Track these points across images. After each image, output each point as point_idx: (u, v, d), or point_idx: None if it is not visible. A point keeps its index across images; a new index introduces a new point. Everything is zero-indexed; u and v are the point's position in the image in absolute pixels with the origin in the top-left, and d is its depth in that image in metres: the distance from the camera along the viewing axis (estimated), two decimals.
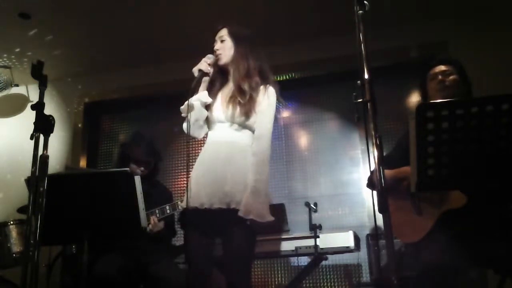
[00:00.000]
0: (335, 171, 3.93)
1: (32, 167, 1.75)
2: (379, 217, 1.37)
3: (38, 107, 1.83)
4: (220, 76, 2.39)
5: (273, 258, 3.61)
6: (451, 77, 2.22)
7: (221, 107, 2.27)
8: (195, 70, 2.28)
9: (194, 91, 2.28)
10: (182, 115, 2.28)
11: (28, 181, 2.12)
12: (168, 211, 2.81)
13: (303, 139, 4.14)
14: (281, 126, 4.19)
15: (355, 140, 3.96)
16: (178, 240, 3.54)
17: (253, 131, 2.24)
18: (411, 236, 2.10)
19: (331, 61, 3.94)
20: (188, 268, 2.23)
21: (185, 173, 4.02)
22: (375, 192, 1.39)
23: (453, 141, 1.43)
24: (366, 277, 3.54)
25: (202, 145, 2.37)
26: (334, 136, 4.03)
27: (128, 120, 4.64)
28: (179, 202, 2.82)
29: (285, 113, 4.25)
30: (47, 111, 1.84)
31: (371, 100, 1.45)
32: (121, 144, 3.32)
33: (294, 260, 3.69)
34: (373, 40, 1.59)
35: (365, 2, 1.58)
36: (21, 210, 3.11)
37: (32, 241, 1.67)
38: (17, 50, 4.07)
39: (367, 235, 3.21)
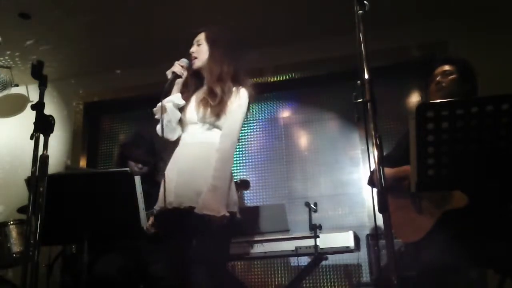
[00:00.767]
0: (335, 171, 3.93)
1: (32, 167, 1.75)
2: (379, 217, 1.37)
3: (38, 107, 1.83)
4: (195, 79, 2.43)
5: (273, 258, 3.61)
6: (449, 77, 2.23)
7: (194, 108, 2.32)
8: (168, 73, 2.34)
9: (167, 93, 2.32)
10: (156, 116, 2.31)
11: (28, 181, 2.12)
12: None
13: (303, 139, 4.14)
14: (281, 126, 4.19)
15: (355, 140, 3.96)
16: None
17: (220, 130, 2.29)
18: (411, 236, 2.10)
19: (331, 61, 3.94)
20: (166, 268, 2.25)
21: None
22: (375, 192, 1.39)
23: (453, 141, 1.43)
24: (366, 277, 3.54)
25: None
26: (334, 136, 4.03)
27: (128, 120, 4.64)
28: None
29: (285, 113, 4.25)
30: (47, 111, 1.84)
31: (371, 100, 1.45)
32: (120, 144, 3.32)
33: (294, 260, 3.69)
34: (373, 40, 1.59)
35: (365, 2, 1.58)
36: (21, 210, 3.11)
37: (32, 241, 1.67)
38: (17, 50, 4.07)
39: (367, 235, 3.21)
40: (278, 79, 4.15)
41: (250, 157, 4.11)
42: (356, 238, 2.80)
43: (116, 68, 4.40)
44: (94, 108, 4.61)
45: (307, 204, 2.99)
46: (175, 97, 2.33)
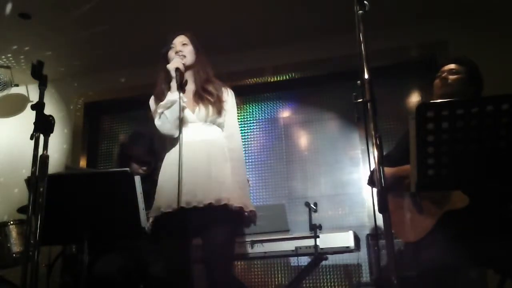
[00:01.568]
0: (335, 171, 3.93)
1: (32, 167, 1.75)
2: (379, 217, 1.37)
3: (38, 107, 1.83)
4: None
5: (273, 258, 3.61)
6: (456, 76, 2.22)
7: (189, 108, 2.31)
8: (171, 68, 2.29)
9: (181, 87, 2.27)
10: (159, 110, 2.27)
11: (28, 181, 2.12)
12: None
13: (303, 139, 4.14)
14: (281, 126, 4.19)
15: (355, 140, 3.96)
16: None
17: (221, 128, 2.35)
18: (411, 236, 2.10)
19: (331, 61, 3.94)
20: (168, 270, 2.24)
21: None
22: (375, 192, 1.39)
23: (453, 141, 1.43)
24: (366, 277, 3.54)
25: None
26: (334, 136, 4.03)
27: (128, 120, 4.64)
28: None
29: (285, 113, 4.25)
30: (47, 111, 1.84)
31: (371, 100, 1.45)
32: (121, 144, 3.31)
33: (294, 260, 3.69)
34: (373, 40, 1.59)
35: (365, 2, 1.58)
36: (21, 210, 3.11)
37: (32, 241, 1.67)
38: (17, 50, 4.07)
39: (367, 235, 3.21)
40: (278, 79, 4.15)
41: (250, 157, 4.11)
42: (356, 238, 2.80)
43: (116, 68, 4.40)
44: (94, 108, 4.61)
45: (307, 204, 2.99)
46: (182, 95, 2.28)
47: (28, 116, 2.07)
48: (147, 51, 4.10)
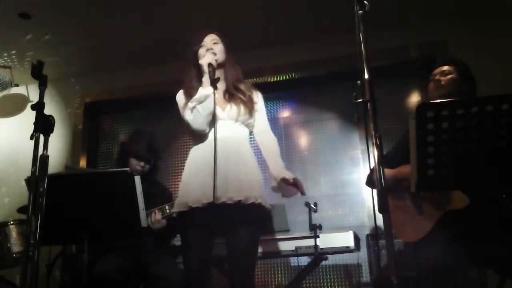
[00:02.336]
0: (335, 171, 3.93)
1: (32, 167, 1.75)
2: (379, 217, 1.37)
3: (38, 107, 1.83)
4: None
5: (273, 258, 3.61)
6: (448, 77, 2.24)
7: (220, 105, 2.28)
8: (205, 63, 2.25)
9: (214, 82, 2.22)
10: (192, 104, 2.22)
11: (28, 181, 2.12)
12: (167, 211, 2.80)
13: (303, 139, 4.14)
14: (281, 126, 4.19)
15: (355, 140, 3.96)
16: (178, 240, 3.54)
17: (250, 128, 2.37)
18: (411, 235, 2.10)
19: (331, 61, 3.94)
20: (187, 268, 2.22)
21: None
22: (375, 192, 1.39)
23: (453, 141, 1.43)
24: (366, 277, 3.54)
25: None
26: (334, 136, 4.03)
27: (128, 120, 4.64)
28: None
29: (285, 113, 4.25)
30: (47, 111, 1.83)
31: (371, 100, 1.45)
32: (121, 143, 3.31)
33: (294, 260, 3.69)
34: (373, 40, 1.59)
35: (365, 2, 1.58)
36: (21, 210, 3.11)
37: (32, 241, 1.67)
38: (17, 50, 4.07)
39: (367, 235, 3.20)
40: (278, 79, 4.15)
41: None
42: (356, 238, 2.80)
43: (116, 68, 4.40)
44: (94, 108, 4.61)
45: (307, 204, 2.99)
46: (214, 91, 2.23)
47: (28, 116, 2.07)
48: (147, 51, 4.12)
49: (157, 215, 2.76)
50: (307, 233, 2.81)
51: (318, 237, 2.73)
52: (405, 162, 1.96)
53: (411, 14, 3.70)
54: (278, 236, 2.86)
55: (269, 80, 4.14)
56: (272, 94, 4.27)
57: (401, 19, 3.74)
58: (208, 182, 2.07)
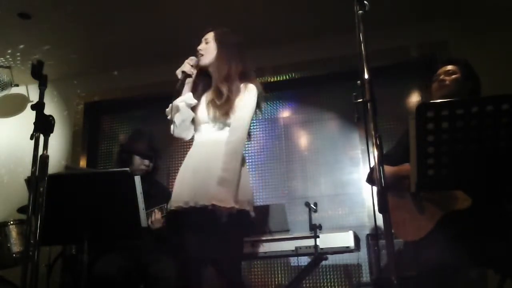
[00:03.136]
0: (335, 171, 3.93)
1: (32, 167, 1.75)
2: (379, 217, 1.37)
3: (38, 107, 1.83)
4: (204, 78, 2.44)
5: (273, 258, 3.61)
6: (452, 76, 2.24)
7: (205, 108, 2.33)
8: (178, 72, 2.32)
9: (179, 93, 2.31)
10: (168, 117, 2.32)
11: (28, 181, 2.12)
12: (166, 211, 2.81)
13: (303, 139, 4.14)
14: (281, 126, 4.19)
15: (355, 140, 3.96)
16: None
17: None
18: (411, 235, 2.10)
19: (331, 61, 3.94)
20: (183, 267, 2.24)
21: None
22: (375, 192, 1.39)
23: (453, 141, 1.43)
24: (366, 277, 3.54)
25: None
26: (334, 136, 4.03)
27: (128, 120, 4.64)
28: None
29: (285, 113, 4.25)
30: (47, 111, 1.84)
31: (371, 100, 1.45)
32: (121, 143, 3.32)
33: (294, 260, 3.69)
34: (373, 40, 1.59)
35: (365, 2, 1.58)
36: (21, 210, 3.11)
37: (32, 241, 1.67)
38: (17, 50, 4.07)
39: (367, 235, 3.20)
40: (278, 79, 4.14)
41: (250, 157, 4.11)
42: (356, 238, 2.80)
43: (116, 68, 4.40)
44: (94, 108, 4.61)
45: (307, 204, 2.99)
46: (187, 97, 2.32)
47: (28, 116, 2.07)
48: (147, 51, 4.12)
49: (157, 215, 2.76)
50: (307, 233, 2.81)
51: (318, 237, 2.73)
52: (405, 160, 1.96)
53: (411, 14, 3.70)
54: (278, 236, 2.86)
55: (269, 80, 4.13)
56: (272, 94, 4.27)
57: (401, 19, 3.74)
58: (183, 185, 2.15)
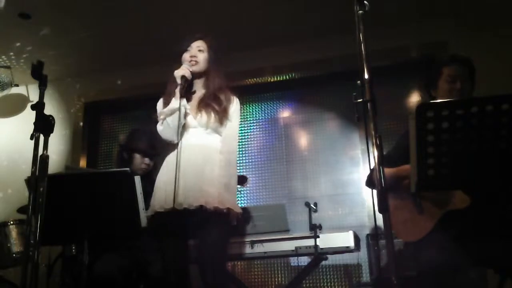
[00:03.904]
0: (335, 171, 3.93)
1: (32, 167, 1.75)
2: (379, 217, 1.37)
3: (38, 107, 1.83)
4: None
5: (273, 258, 3.61)
6: (465, 83, 2.18)
7: (191, 113, 2.34)
8: (178, 76, 2.31)
9: (182, 97, 2.29)
10: (161, 117, 2.32)
11: (28, 181, 2.12)
12: None
13: (303, 139, 4.14)
14: (281, 126, 4.19)
15: (355, 140, 3.96)
16: None
17: (220, 135, 2.37)
18: (411, 235, 2.10)
19: (331, 61, 3.94)
20: (168, 269, 2.26)
21: None
22: (375, 192, 1.39)
23: (453, 141, 1.43)
24: (366, 277, 3.54)
25: None
26: (334, 136, 4.03)
27: (128, 120, 4.64)
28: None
29: (285, 113, 4.25)
30: (47, 111, 1.84)
31: (371, 100, 1.45)
32: (120, 144, 3.31)
33: (294, 260, 3.69)
34: (373, 40, 1.59)
35: (365, 2, 1.58)
36: (21, 210, 3.11)
37: (32, 241, 1.67)
38: (17, 50, 4.07)
39: (367, 235, 3.21)
40: (278, 79, 4.15)
41: (250, 157, 4.11)
42: (356, 238, 2.80)
43: (116, 68, 4.40)
44: (94, 108, 4.61)
45: (307, 204, 2.99)
46: (186, 103, 2.32)
47: (28, 116, 2.06)
48: (147, 51, 4.12)
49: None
50: (307, 233, 2.81)
51: (318, 237, 2.73)
52: (405, 161, 1.96)
53: (411, 14, 3.70)
54: (278, 236, 2.86)
55: (269, 80, 4.14)
56: (272, 94, 4.27)
57: (401, 19, 3.74)
58: (171, 188, 2.15)
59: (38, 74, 1.87)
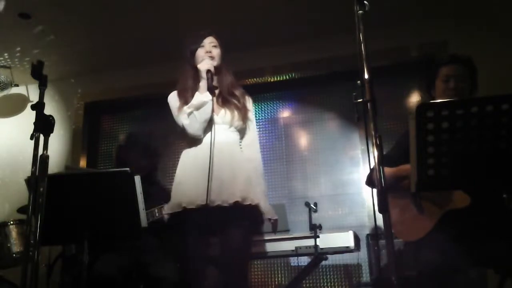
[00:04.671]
0: (335, 171, 3.93)
1: (32, 167, 1.75)
2: (379, 217, 1.37)
3: (38, 107, 1.83)
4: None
5: (273, 258, 3.61)
6: (463, 84, 2.19)
7: (214, 110, 2.28)
8: (203, 69, 2.28)
9: (212, 89, 2.24)
10: (189, 110, 2.24)
11: (28, 181, 2.12)
12: (156, 215, 2.80)
13: (303, 139, 4.14)
14: (281, 126, 4.19)
15: (355, 140, 3.96)
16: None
17: (241, 133, 2.38)
18: (411, 235, 2.10)
19: (331, 61, 3.94)
20: (183, 267, 2.25)
21: None
22: (375, 192, 1.39)
23: (453, 141, 1.43)
24: (366, 277, 3.54)
25: None
26: (334, 136, 4.03)
27: (128, 120, 4.64)
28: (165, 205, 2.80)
29: (285, 113, 4.25)
30: (47, 111, 1.84)
31: (371, 100, 1.45)
32: (117, 149, 3.31)
33: (294, 260, 3.69)
34: (373, 40, 1.59)
35: (365, 2, 1.58)
36: (21, 210, 3.11)
37: (32, 241, 1.67)
38: (17, 50, 4.07)
39: (367, 235, 3.21)
40: (278, 79, 4.15)
41: None
42: (356, 238, 2.80)
43: (116, 68, 4.40)
44: (94, 108, 4.61)
45: (307, 204, 2.99)
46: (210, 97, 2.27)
47: (28, 116, 2.07)
48: (147, 51, 4.12)
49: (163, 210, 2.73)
50: (307, 233, 2.81)
51: (318, 237, 2.73)
52: (405, 161, 1.96)
53: (411, 14, 3.70)
54: (278, 236, 2.86)
55: (269, 80, 4.14)
56: (272, 94, 4.27)
57: (401, 19, 3.74)
58: (202, 184, 2.11)
59: (38, 74, 1.87)
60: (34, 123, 1.80)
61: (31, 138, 1.78)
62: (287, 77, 4.14)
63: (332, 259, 3.44)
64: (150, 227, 2.74)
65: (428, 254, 1.96)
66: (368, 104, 1.45)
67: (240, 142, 2.39)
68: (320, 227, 2.77)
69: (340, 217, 3.80)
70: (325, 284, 3.67)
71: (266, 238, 2.84)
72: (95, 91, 4.55)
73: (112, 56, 4.21)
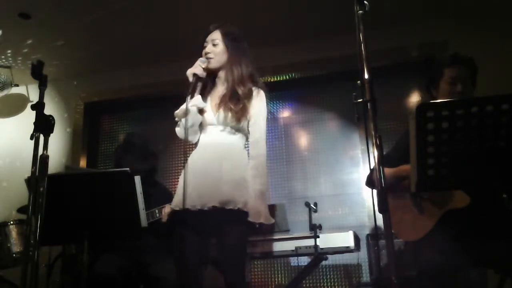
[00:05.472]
0: (335, 171, 3.93)
1: (32, 167, 1.75)
2: (379, 217, 1.37)
3: (38, 107, 1.83)
4: (208, 79, 2.35)
5: (273, 258, 3.61)
6: (466, 86, 2.18)
7: (212, 110, 2.28)
8: (189, 74, 2.24)
9: (191, 95, 2.23)
10: (176, 119, 2.26)
11: (28, 181, 2.12)
12: (157, 215, 2.80)
13: (303, 139, 4.14)
14: (281, 126, 4.19)
15: (355, 140, 3.96)
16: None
17: (244, 133, 2.29)
18: (411, 235, 2.10)
19: (331, 61, 3.94)
20: (180, 269, 2.24)
21: None
22: (375, 192, 1.39)
23: (453, 141, 1.43)
24: (366, 277, 3.54)
25: None
26: (334, 136, 4.03)
27: (128, 120, 4.65)
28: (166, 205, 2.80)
29: (285, 113, 4.25)
30: (47, 111, 1.84)
31: (371, 100, 1.45)
32: (115, 149, 3.31)
33: (294, 260, 3.69)
34: (373, 40, 1.59)
35: (365, 2, 1.58)
36: (21, 210, 3.11)
37: (32, 241, 1.67)
38: (17, 50, 4.07)
39: (367, 235, 3.20)
40: (278, 79, 4.15)
41: None
42: (356, 238, 2.80)
43: (116, 68, 4.40)
44: (94, 108, 4.61)
45: (307, 204, 2.99)
46: (198, 101, 2.24)
47: (28, 116, 2.06)
48: (147, 51, 4.12)
49: (167, 208, 2.71)
50: (307, 233, 2.81)
51: (318, 237, 2.73)
52: (405, 161, 1.96)
53: (411, 14, 3.70)
54: (278, 236, 2.86)
55: (269, 80, 4.13)
56: (272, 94, 4.25)
57: (401, 19, 3.74)
58: (191, 187, 2.12)
59: (38, 74, 1.87)
60: (34, 123, 1.80)
61: (31, 138, 1.78)
62: (287, 77, 4.14)
63: (332, 259, 3.44)
64: (150, 227, 2.74)
65: (428, 254, 1.96)
66: (368, 104, 1.45)
67: (247, 141, 2.32)
68: (320, 227, 2.77)
69: (340, 217, 3.80)
70: (325, 284, 3.67)
71: (266, 238, 2.84)
72: (95, 91, 4.55)
73: (112, 56, 4.21)
